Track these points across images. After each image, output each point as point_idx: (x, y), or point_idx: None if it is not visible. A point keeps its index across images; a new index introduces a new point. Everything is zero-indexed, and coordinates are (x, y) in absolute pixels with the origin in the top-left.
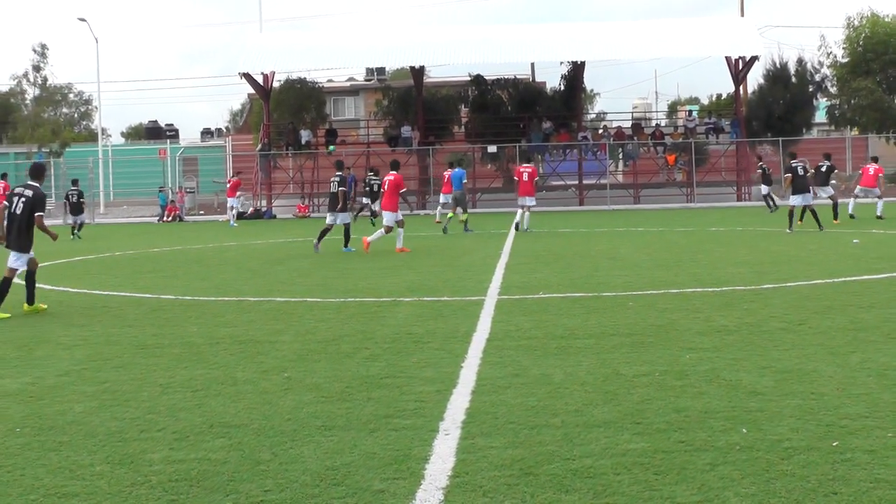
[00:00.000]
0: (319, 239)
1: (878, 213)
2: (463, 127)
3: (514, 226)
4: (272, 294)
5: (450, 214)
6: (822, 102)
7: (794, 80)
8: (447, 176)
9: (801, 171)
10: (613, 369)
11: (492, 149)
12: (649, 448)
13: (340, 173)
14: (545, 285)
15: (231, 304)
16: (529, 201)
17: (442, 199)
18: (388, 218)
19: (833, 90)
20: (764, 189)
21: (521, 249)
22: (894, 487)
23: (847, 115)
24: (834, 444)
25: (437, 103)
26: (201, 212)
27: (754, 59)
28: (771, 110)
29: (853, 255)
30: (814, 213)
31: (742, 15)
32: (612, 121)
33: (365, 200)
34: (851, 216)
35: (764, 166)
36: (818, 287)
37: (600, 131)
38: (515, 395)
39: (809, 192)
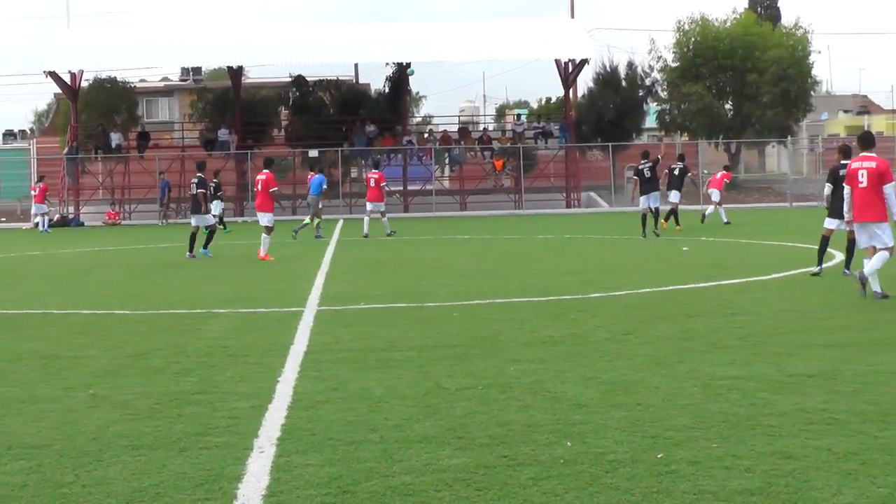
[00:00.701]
0: (191, 248)
1: (704, 219)
2: (283, 130)
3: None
4: (79, 306)
5: (317, 220)
6: (653, 107)
7: (624, 84)
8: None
9: (647, 174)
10: (436, 382)
11: (313, 153)
12: (471, 463)
13: (200, 174)
14: (367, 295)
15: (34, 318)
16: (378, 206)
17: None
18: (266, 219)
19: (663, 95)
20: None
21: (343, 258)
22: (718, 499)
23: (677, 120)
24: (659, 455)
25: (255, 105)
26: (2, 219)
27: (584, 62)
28: (601, 114)
29: (682, 263)
30: (655, 217)
31: (572, 17)
32: (438, 125)
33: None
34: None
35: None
36: (646, 296)
37: (426, 135)
38: (333, 410)
39: (656, 193)
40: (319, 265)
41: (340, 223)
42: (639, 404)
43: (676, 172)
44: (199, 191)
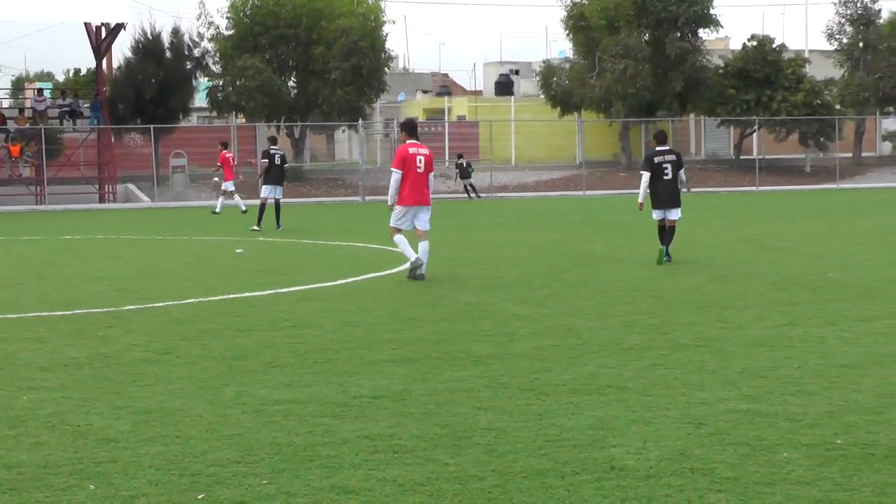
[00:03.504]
0: None
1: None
2: None
3: None
4: None
5: None
6: (203, 83)
7: (168, 55)
8: None
9: (277, 161)
10: None
11: None
12: None
13: None
14: None
15: None
16: None
17: None
18: None
19: (215, 68)
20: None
21: None
22: None
23: (231, 98)
24: (199, 496)
25: None
26: None
27: (120, 26)
28: (141, 91)
29: (234, 268)
30: (277, 209)
31: None
32: None
33: None
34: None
35: (462, 162)
36: (191, 307)
37: None
38: None
39: (280, 185)
40: None
41: None
42: (178, 436)
43: (458, 166)
44: None
